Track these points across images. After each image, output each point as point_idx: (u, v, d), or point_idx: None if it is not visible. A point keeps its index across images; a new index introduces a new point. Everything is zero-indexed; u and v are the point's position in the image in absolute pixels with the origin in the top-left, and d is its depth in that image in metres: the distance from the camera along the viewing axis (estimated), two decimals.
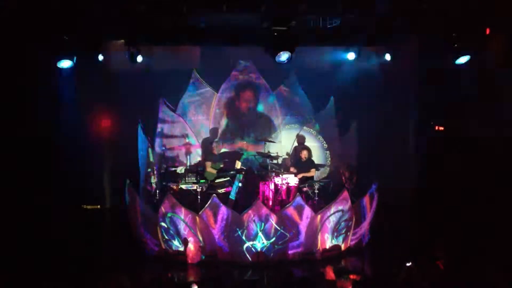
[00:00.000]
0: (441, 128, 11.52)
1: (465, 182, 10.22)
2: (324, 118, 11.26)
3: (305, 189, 9.96)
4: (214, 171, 10.09)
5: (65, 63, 9.35)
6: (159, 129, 10.85)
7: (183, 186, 9.83)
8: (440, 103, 10.84)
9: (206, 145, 10.82)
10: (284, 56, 9.38)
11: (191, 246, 9.00)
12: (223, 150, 10.88)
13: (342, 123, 11.09)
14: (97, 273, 8.70)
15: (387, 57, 10.48)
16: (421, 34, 10.09)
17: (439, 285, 6.81)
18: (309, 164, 10.60)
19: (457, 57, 9.72)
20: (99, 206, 10.98)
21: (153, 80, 10.78)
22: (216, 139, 10.96)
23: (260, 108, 11.37)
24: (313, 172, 10.52)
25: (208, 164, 10.13)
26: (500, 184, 9.52)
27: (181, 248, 9.08)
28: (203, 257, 9.01)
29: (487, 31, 9.49)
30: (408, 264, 7.10)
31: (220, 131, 11.28)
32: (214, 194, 9.05)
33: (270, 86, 11.29)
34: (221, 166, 10.21)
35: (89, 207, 10.93)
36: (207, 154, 10.59)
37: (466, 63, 9.77)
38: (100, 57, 9.98)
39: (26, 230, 9.16)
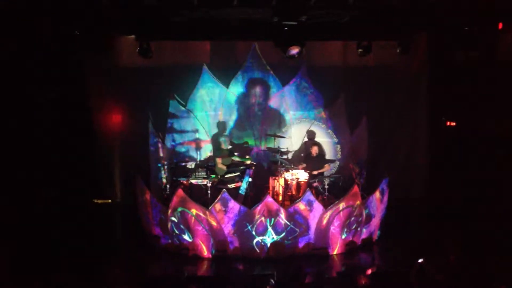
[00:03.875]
0: (453, 124, 11.45)
1: (477, 177, 10.16)
2: (335, 114, 11.22)
3: (315, 184, 9.95)
4: (225, 167, 10.09)
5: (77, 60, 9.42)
6: (169, 124, 10.89)
7: (193, 181, 9.84)
8: (452, 98, 10.77)
9: (216, 141, 10.82)
10: (294, 51, 9.37)
11: (201, 241, 9.02)
12: (232, 145, 10.84)
13: (353, 118, 11.05)
14: (107, 267, 8.79)
15: (398, 52, 10.39)
16: (432, 28, 10.03)
17: (451, 281, 6.78)
18: (320, 159, 10.57)
19: (469, 52, 9.65)
20: (110, 201, 11.02)
21: (164, 75, 10.81)
22: (226, 134, 10.95)
23: (270, 103, 11.33)
24: (326, 168, 10.49)
25: (219, 160, 10.13)
26: None
27: (191, 243, 9.09)
28: (213, 252, 9.03)
29: (500, 26, 9.41)
30: (419, 260, 7.08)
31: (229, 126, 11.27)
32: (224, 189, 9.05)
33: (280, 81, 11.25)
34: (231, 161, 10.19)
35: (100, 201, 10.98)
36: (217, 150, 10.59)
37: (476, 58, 9.70)
38: (111, 53, 9.98)
39: (37, 224, 9.23)
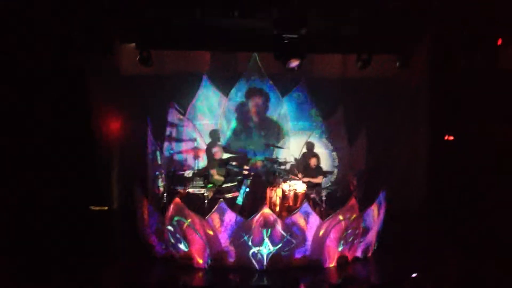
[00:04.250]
0: (451, 138, 11.48)
1: (476, 190, 10.16)
2: (333, 126, 11.26)
3: (312, 196, 9.94)
4: (221, 177, 10.10)
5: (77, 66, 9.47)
6: (168, 133, 10.88)
7: (191, 190, 9.84)
8: (452, 110, 10.80)
9: (209, 151, 10.71)
10: (294, 63, 9.40)
11: (197, 250, 9.00)
12: (229, 155, 10.83)
13: (351, 130, 11.08)
14: (103, 274, 8.76)
15: (398, 65, 10.43)
16: (432, 40, 10.08)
17: None
18: (318, 171, 10.58)
19: (469, 64, 9.69)
20: (106, 208, 11.00)
21: (164, 84, 10.85)
22: (219, 144, 10.88)
23: (270, 114, 11.36)
24: (320, 179, 10.49)
25: (213, 171, 10.14)
26: None
27: (187, 252, 9.08)
28: (209, 262, 9.00)
29: (499, 42, 9.44)
30: (413, 275, 7.08)
31: (228, 135, 11.28)
32: (221, 199, 9.04)
33: (279, 91, 11.29)
34: (225, 172, 10.18)
35: (96, 208, 10.97)
36: (210, 160, 10.52)
37: (477, 70, 9.73)
38: (111, 60, 10.01)
39: (33, 231, 9.20)
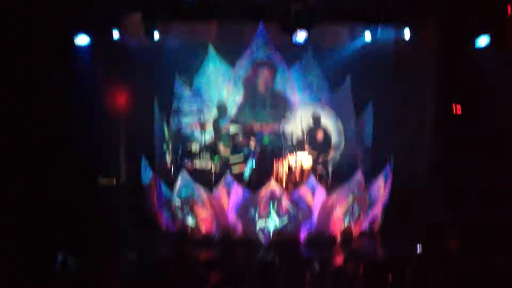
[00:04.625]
0: (459, 107, 11.36)
1: (484, 164, 10.11)
2: (340, 98, 11.16)
3: (318, 169, 9.96)
4: (228, 151, 10.11)
5: (82, 40, 9.36)
6: (174, 106, 10.86)
7: (198, 164, 9.87)
8: (461, 84, 10.67)
9: (216, 125, 10.71)
10: (301, 35, 9.29)
11: (204, 224, 9.10)
12: (236, 129, 10.81)
13: (358, 103, 11.00)
14: (111, 249, 8.85)
15: (406, 35, 10.26)
16: (440, 13, 9.89)
17: (452, 268, 6.82)
18: (325, 144, 10.55)
19: (477, 38, 9.54)
20: (114, 182, 11.06)
21: (169, 56, 10.71)
22: (227, 117, 10.86)
23: (276, 86, 11.28)
24: (331, 153, 10.46)
25: (221, 143, 10.13)
26: None
27: (195, 226, 9.18)
28: (217, 236, 9.11)
29: (509, 11, 9.26)
30: (420, 246, 7.14)
31: (234, 108, 11.24)
32: (228, 173, 9.08)
33: (286, 63, 11.17)
34: (233, 145, 10.19)
35: (104, 181, 11.02)
36: (218, 134, 10.52)
37: (487, 45, 9.57)
38: (116, 33, 9.91)
39: (33, 231, 9.23)
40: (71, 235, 8.73)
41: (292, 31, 9.43)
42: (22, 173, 9.21)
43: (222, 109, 10.95)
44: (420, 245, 7.42)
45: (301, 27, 9.32)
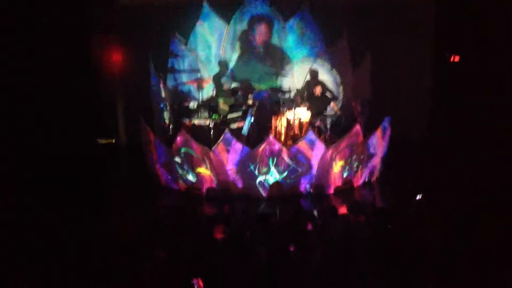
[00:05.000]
0: (457, 58, 11.27)
1: (481, 117, 10.12)
2: (338, 51, 11.06)
3: (317, 123, 9.96)
4: (227, 107, 10.08)
5: None
6: (170, 64, 10.78)
7: (196, 122, 9.87)
8: (458, 36, 10.56)
9: (217, 81, 10.72)
10: None
11: (205, 180, 9.17)
12: (234, 85, 10.77)
13: (356, 55, 10.89)
14: (113, 207, 8.96)
15: None
16: None
17: (448, 218, 6.93)
18: (323, 99, 10.52)
19: None
20: (113, 140, 11.09)
21: (164, 13, 10.59)
22: (228, 73, 10.82)
23: (273, 41, 11.14)
24: (329, 107, 10.43)
25: (221, 100, 10.10)
26: None
27: (195, 183, 9.25)
28: (217, 191, 9.18)
29: None
30: (418, 197, 7.21)
31: (232, 65, 11.15)
32: (227, 129, 9.09)
33: (282, 17, 11.01)
34: (233, 101, 10.17)
35: (103, 141, 11.06)
36: (219, 90, 10.51)
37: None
38: None
39: (41, 162, 9.29)
40: (72, 195, 8.82)
41: None
42: (22, 135, 9.25)
43: (223, 65, 10.88)
44: (420, 195, 7.47)
45: None
